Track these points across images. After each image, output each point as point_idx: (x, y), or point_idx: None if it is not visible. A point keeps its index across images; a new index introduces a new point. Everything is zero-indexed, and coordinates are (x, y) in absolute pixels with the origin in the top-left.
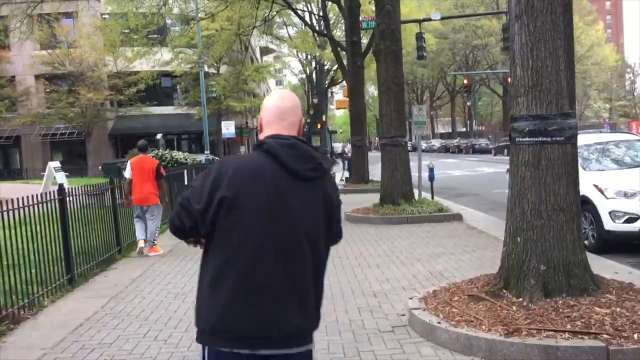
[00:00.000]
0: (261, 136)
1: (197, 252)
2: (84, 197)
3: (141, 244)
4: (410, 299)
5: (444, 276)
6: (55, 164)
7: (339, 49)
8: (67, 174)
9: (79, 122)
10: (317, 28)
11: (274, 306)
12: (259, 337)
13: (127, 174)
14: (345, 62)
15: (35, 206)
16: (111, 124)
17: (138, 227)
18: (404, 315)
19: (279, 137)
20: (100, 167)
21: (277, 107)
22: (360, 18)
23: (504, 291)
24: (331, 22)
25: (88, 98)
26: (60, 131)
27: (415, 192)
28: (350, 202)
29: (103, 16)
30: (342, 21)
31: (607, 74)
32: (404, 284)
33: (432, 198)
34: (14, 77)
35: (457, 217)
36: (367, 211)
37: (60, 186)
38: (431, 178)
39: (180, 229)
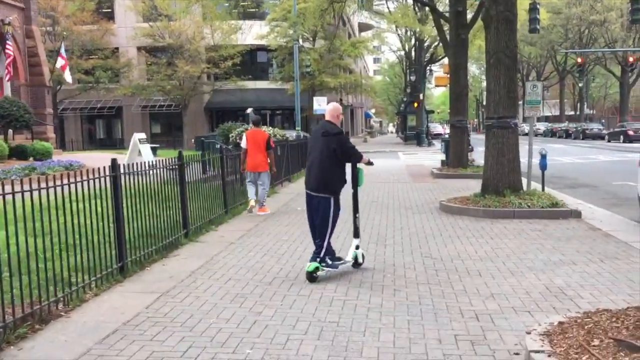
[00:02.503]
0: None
1: (272, 240)
2: (140, 175)
3: (252, 203)
4: (528, 333)
5: (567, 295)
6: (141, 135)
7: (441, 20)
8: (157, 145)
9: (176, 95)
10: None
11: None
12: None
13: (243, 144)
14: (447, 35)
15: (91, 181)
16: (207, 98)
17: (250, 190)
18: (517, 354)
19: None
20: (192, 140)
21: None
22: None
23: None
24: None
25: (185, 71)
26: (159, 103)
27: (524, 181)
28: (446, 190)
29: None
30: None
31: None
32: (514, 302)
33: (543, 189)
34: (117, 48)
35: (575, 214)
36: (467, 201)
37: (113, 162)
38: (543, 166)
39: None
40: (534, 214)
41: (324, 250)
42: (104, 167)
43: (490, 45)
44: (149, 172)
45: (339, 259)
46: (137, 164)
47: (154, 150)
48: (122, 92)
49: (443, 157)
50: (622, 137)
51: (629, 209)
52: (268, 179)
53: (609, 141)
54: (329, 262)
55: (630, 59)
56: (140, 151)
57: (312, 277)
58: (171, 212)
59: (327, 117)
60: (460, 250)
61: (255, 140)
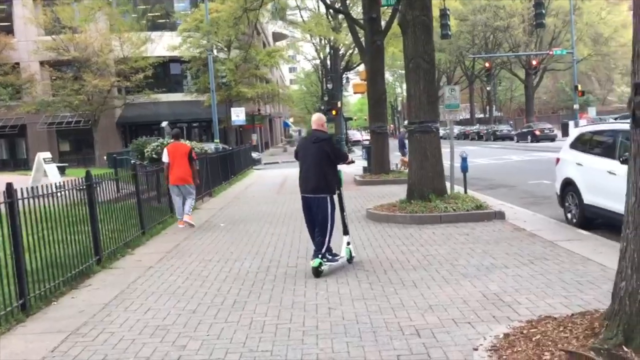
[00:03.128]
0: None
1: (194, 260)
2: (43, 198)
3: (180, 224)
4: (476, 349)
5: (505, 302)
6: (46, 154)
7: (356, 27)
8: (65, 165)
9: (85, 110)
10: (331, 4)
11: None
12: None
13: (164, 158)
14: (362, 41)
15: None
16: (119, 112)
17: (177, 204)
18: None
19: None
20: (104, 157)
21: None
22: None
23: (626, 350)
24: None
25: (94, 85)
26: (67, 119)
27: (447, 185)
28: (370, 196)
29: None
30: None
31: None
32: (453, 314)
33: (466, 192)
34: (18, 63)
35: (499, 216)
36: (393, 208)
37: (8, 187)
38: (464, 169)
39: None
40: (459, 217)
41: (325, 247)
42: (2, 192)
43: (408, 50)
44: (53, 195)
45: (336, 254)
46: (42, 186)
47: (61, 169)
48: (25, 110)
49: (364, 163)
50: (529, 137)
51: (548, 207)
52: (194, 191)
53: (517, 141)
54: (329, 257)
55: (534, 62)
56: (45, 172)
57: (317, 271)
58: (81, 237)
59: (314, 127)
60: (392, 260)
61: (177, 153)
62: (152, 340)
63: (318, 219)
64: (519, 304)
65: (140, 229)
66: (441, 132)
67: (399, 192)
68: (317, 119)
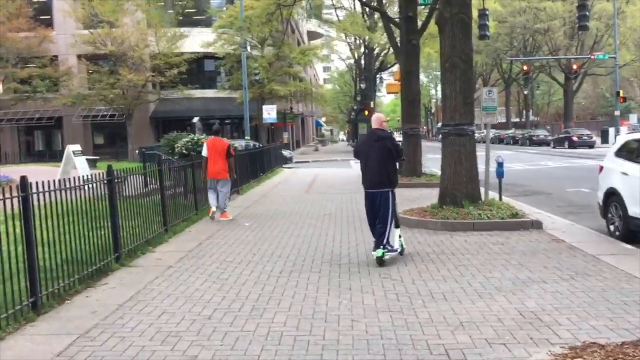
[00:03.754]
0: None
1: (215, 262)
2: (62, 192)
3: (213, 209)
4: None
5: (543, 322)
6: (75, 147)
7: (392, 26)
8: (96, 157)
9: (119, 104)
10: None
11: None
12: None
13: (204, 152)
14: (398, 41)
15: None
16: (152, 107)
17: (211, 196)
18: None
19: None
20: (137, 152)
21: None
22: None
23: None
24: None
25: (129, 79)
26: (102, 113)
27: (482, 191)
28: (401, 199)
29: None
30: None
31: None
32: (486, 332)
33: (500, 198)
34: (56, 56)
35: (536, 225)
36: (424, 213)
37: (22, 180)
38: (499, 174)
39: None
40: (494, 225)
41: (387, 237)
42: (16, 186)
43: (445, 49)
44: (70, 189)
45: (392, 245)
46: (66, 179)
47: (93, 162)
48: (61, 102)
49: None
50: (566, 143)
51: (587, 217)
52: (229, 186)
53: (554, 147)
54: (389, 247)
55: (574, 67)
56: (75, 164)
57: (381, 261)
58: (100, 233)
59: (374, 126)
60: (421, 269)
61: (216, 149)
62: (163, 348)
63: (380, 212)
64: (559, 324)
65: (163, 226)
66: (476, 135)
67: (431, 195)
68: (377, 118)
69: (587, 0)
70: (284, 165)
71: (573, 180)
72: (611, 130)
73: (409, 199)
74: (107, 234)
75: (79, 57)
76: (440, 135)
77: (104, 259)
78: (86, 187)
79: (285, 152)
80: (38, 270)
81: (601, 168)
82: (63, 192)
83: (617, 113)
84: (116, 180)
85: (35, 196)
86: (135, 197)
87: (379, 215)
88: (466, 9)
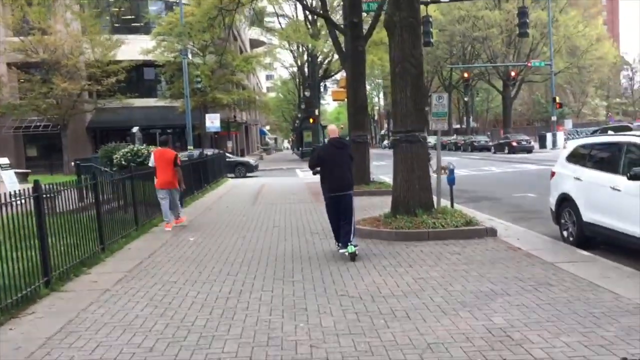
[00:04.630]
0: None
1: (157, 283)
2: None
3: (168, 227)
4: None
5: (514, 340)
6: (3, 160)
7: (337, 32)
8: (27, 171)
9: (53, 114)
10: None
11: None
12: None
13: (151, 163)
14: (343, 47)
15: None
16: (89, 117)
17: (165, 207)
18: None
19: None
20: (72, 164)
21: (332, 129)
22: None
23: None
24: (327, 3)
25: (63, 88)
26: (35, 124)
27: (434, 199)
28: None
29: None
30: (341, 2)
31: (605, 70)
32: (457, 355)
33: (452, 206)
34: None
35: (490, 232)
36: (377, 223)
37: None
38: (451, 181)
39: (310, 167)
40: (448, 234)
41: (353, 233)
42: None
43: (395, 54)
44: None
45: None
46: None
47: (23, 176)
48: None
49: None
50: (506, 148)
51: (539, 223)
52: (178, 195)
53: (494, 152)
54: (355, 244)
55: (512, 74)
56: (2, 179)
57: (354, 256)
58: (28, 254)
59: (332, 136)
60: (379, 284)
61: (164, 159)
62: None
63: (346, 212)
64: (531, 342)
65: (100, 244)
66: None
67: (381, 204)
68: (334, 130)
69: (526, 8)
70: (245, 175)
71: (518, 185)
72: (548, 136)
73: (360, 207)
74: (34, 255)
75: (9, 65)
76: (387, 142)
77: (32, 283)
78: (11, 204)
79: (251, 160)
80: None
81: (553, 173)
82: None
83: (553, 118)
84: (45, 196)
85: None
86: (69, 212)
87: (346, 215)
88: (415, 13)
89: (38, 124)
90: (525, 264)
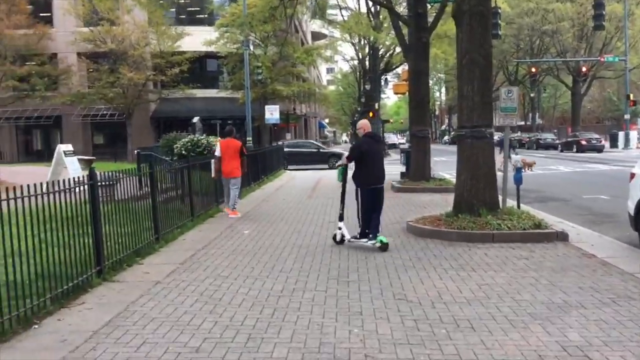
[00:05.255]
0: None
1: (209, 276)
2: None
3: (233, 214)
4: None
5: None
6: (67, 147)
7: (400, 23)
8: (92, 158)
9: (119, 103)
10: None
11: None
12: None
13: (217, 152)
14: (407, 39)
15: None
16: (153, 107)
17: (233, 193)
18: None
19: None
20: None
21: (367, 123)
22: None
23: None
24: None
25: (129, 78)
26: (102, 112)
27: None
28: (410, 205)
29: None
30: None
31: None
32: None
33: (519, 206)
34: (55, 54)
35: (561, 237)
36: (438, 222)
37: None
38: (518, 180)
39: (354, 160)
40: (515, 236)
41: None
42: None
43: (462, 45)
44: (43, 195)
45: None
46: (57, 181)
47: (88, 163)
48: (60, 101)
49: (402, 168)
50: (575, 146)
51: (612, 228)
52: (239, 183)
53: (561, 151)
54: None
55: (583, 69)
56: (66, 165)
57: (387, 246)
58: (80, 241)
59: (368, 130)
60: (440, 289)
61: (229, 148)
62: None
63: (380, 204)
64: None
65: (154, 234)
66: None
67: (441, 202)
68: (366, 124)
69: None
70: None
71: (588, 186)
72: (620, 134)
73: (419, 204)
74: (88, 243)
75: (79, 55)
76: (447, 138)
77: (84, 272)
78: (70, 191)
79: (344, 151)
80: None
81: (632, 175)
82: (29, 199)
83: (626, 117)
84: (103, 183)
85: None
86: (125, 201)
87: (379, 207)
88: (485, 1)
89: (105, 112)
90: (601, 273)
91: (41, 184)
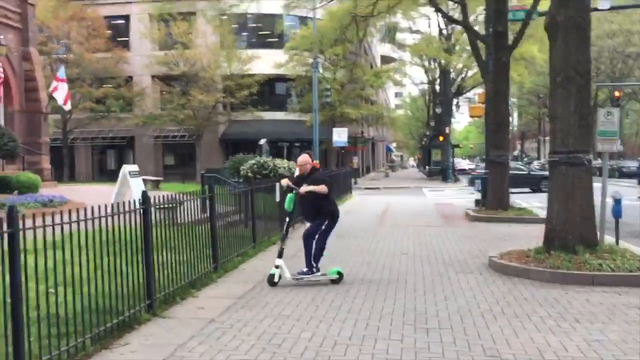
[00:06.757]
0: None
1: (269, 315)
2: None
3: None
4: None
5: None
6: (132, 167)
7: (478, 42)
8: (160, 179)
9: (190, 125)
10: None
11: None
12: None
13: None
14: (484, 58)
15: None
16: (222, 129)
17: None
18: None
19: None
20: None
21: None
22: (509, 4)
23: None
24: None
25: (199, 100)
26: (172, 133)
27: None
28: (488, 236)
29: (222, 16)
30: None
31: None
32: None
33: (617, 242)
34: (131, 77)
35: None
36: (526, 259)
37: (10, 212)
38: (617, 214)
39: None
40: (619, 279)
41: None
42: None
43: (556, 60)
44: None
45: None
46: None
47: (155, 183)
48: (134, 122)
49: (473, 194)
50: None
51: None
52: None
53: None
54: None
55: None
56: (130, 185)
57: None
58: (129, 272)
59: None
60: (540, 344)
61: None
62: None
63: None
64: None
65: (213, 262)
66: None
67: (522, 233)
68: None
69: None
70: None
71: None
72: None
73: (498, 236)
74: (138, 275)
75: (153, 77)
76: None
77: (133, 306)
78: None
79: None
80: (23, 335)
81: None
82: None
83: None
84: (157, 207)
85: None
86: (187, 225)
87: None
88: (584, 12)
89: (175, 134)
90: None
91: (92, 207)
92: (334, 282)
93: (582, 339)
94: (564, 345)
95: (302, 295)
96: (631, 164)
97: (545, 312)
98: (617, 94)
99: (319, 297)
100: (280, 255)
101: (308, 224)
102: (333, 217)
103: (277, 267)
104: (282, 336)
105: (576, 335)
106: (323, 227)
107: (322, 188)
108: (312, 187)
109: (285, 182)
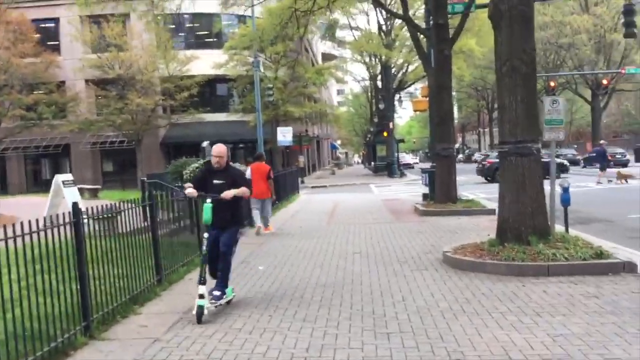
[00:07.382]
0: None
1: (218, 330)
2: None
3: (260, 224)
4: None
5: None
6: (66, 176)
7: (419, 35)
8: (98, 187)
9: (128, 130)
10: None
11: None
12: None
13: (248, 175)
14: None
15: None
16: (163, 132)
17: (256, 215)
18: None
19: None
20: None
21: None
22: None
23: None
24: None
25: (137, 103)
26: (110, 139)
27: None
28: (439, 231)
29: (157, 17)
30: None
31: None
32: None
33: (567, 231)
34: (63, 82)
35: (628, 268)
36: (480, 252)
37: None
38: (565, 201)
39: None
40: (573, 268)
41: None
42: None
43: (501, 50)
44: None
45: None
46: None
47: (93, 192)
48: (68, 129)
49: (421, 189)
50: (598, 164)
51: None
52: (270, 205)
53: (584, 167)
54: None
55: (604, 82)
56: (64, 196)
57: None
58: (62, 290)
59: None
60: (504, 343)
61: (259, 172)
62: None
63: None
64: None
65: (156, 274)
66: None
67: (472, 225)
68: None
69: (633, 5)
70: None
71: (630, 204)
72: None
73: (449, 229)
74: (71, 294)
75: (87, 82)
76: (462, 156)
77: (68, 330)
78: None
79: (565, 161)
80: None
81: None
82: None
83: None
84: (100, 217)
85: None
86: (130, 234)
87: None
88: (527, 0)
89: (114, 139)
90: None
91: (22, 222)
92: (229, 303)
93: (546, 334)
94: (528, 343)
95: (254, 305)
96: (567, 152)
97: (506, 307)
98: (552, 84)
99: (272, 305)
100: (204, 282)
101: (207, 235)
102: (242, 222)
103: (201, 296)
104: (234, 352)
105: (539, 330)
106: (238, 236)
107: (245, 191)
108: (235, 191)
109: (191, 192)
